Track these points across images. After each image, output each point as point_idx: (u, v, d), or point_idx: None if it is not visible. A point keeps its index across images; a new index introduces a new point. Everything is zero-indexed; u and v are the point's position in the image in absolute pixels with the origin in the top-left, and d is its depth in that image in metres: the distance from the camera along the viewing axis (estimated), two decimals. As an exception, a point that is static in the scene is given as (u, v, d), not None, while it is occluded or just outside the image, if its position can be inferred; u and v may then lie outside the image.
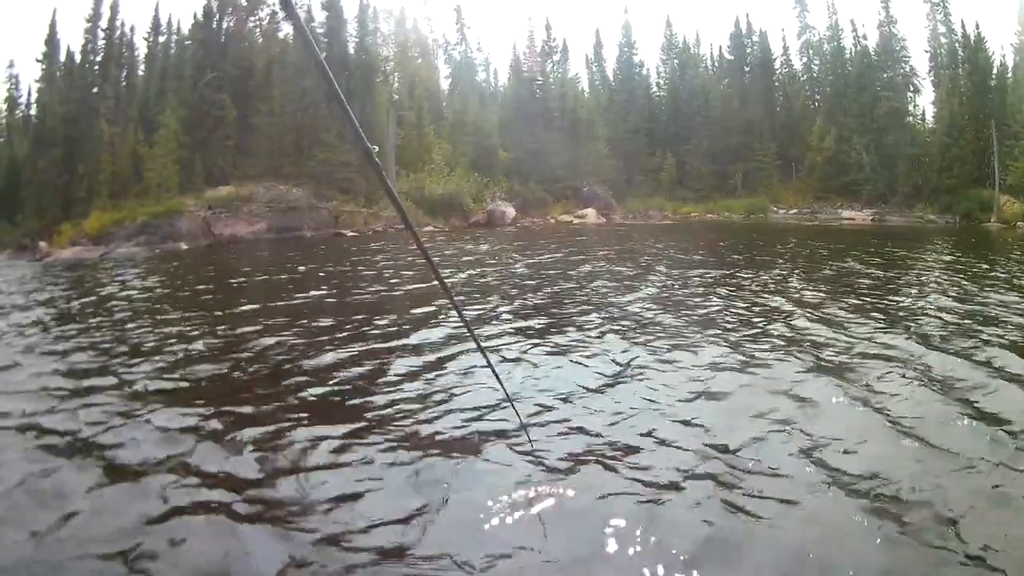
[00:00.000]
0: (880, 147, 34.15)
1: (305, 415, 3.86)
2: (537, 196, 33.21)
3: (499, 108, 39.20)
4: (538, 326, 6.52)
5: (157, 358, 5.55)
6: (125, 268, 15.54)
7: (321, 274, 12.15)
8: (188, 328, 6.98)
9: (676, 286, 9.19)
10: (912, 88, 38.28)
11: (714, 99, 41.13)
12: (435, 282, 2.59)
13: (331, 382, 4.63)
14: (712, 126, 39.60)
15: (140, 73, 33.84)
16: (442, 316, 6.98)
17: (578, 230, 26.52)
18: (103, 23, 30.59)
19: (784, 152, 38.93)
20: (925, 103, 39.83)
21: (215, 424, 3.74)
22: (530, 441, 3.21)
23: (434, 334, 6.15)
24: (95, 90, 29.05)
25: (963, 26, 36.12)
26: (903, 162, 32.98)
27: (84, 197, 25.87)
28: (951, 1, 37.00)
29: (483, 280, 10.56)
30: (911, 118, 37.17)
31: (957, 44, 36.32)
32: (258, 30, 31.91)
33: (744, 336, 5.77)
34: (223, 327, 6.93)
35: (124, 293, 10.58)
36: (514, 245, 18.38)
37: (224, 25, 30.09)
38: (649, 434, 3.43)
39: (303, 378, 4.74)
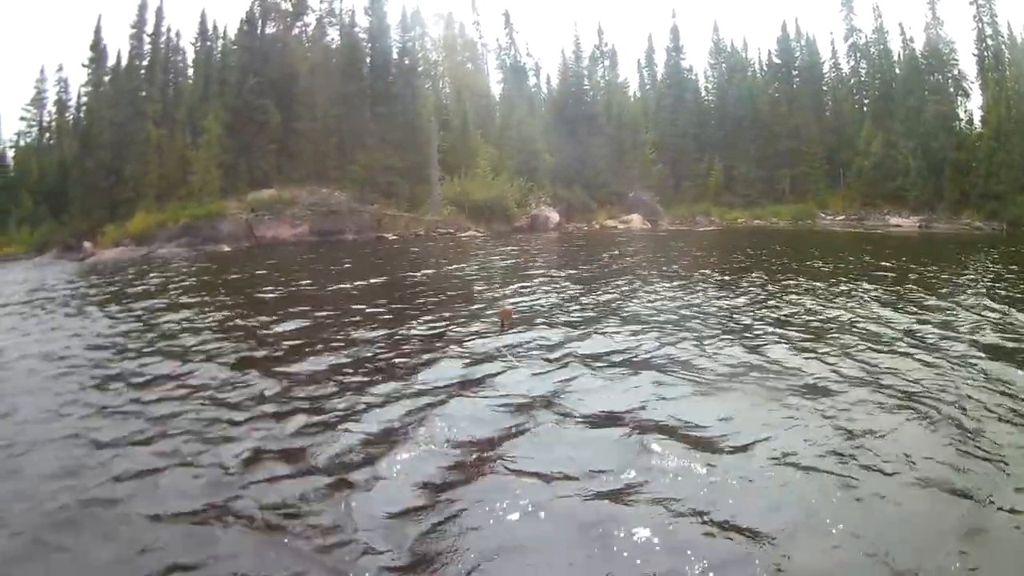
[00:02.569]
0: (927, 152, 32.98)
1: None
2: (581, 201, 32.60)
3: (545, 113, 38.54)
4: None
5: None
6: (189, 264, 15.27)
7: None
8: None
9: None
10: (961, 92, 37.06)
11: (762, 103, 40.21)
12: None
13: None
14: (760, 130, 38.78)
15: (189, 77, 34.10)
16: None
17: (619, 236, 25.80)
18: (148, 29, 31.01)
19: (832, 157, 37.86)
20: (974, 107, 38.39)
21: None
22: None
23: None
24: (142, 94, 29.27)
25: (1009, 28, 35.10)
26: (950, 167, 31.83)
27: (131, 198, 25.91)
28: (996, 2, 35.96)
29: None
30: (959, 122, 35.91)
31: (1003, 46, 35.22)
32: (304, 35, 32.01)
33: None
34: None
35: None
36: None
37: (268, 31, 30.22)
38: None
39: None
